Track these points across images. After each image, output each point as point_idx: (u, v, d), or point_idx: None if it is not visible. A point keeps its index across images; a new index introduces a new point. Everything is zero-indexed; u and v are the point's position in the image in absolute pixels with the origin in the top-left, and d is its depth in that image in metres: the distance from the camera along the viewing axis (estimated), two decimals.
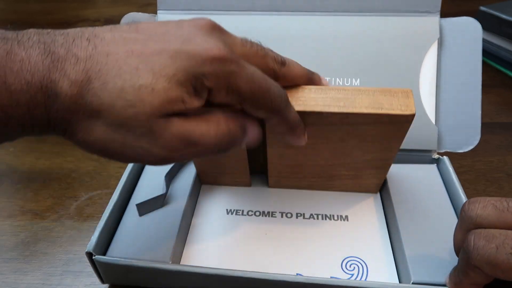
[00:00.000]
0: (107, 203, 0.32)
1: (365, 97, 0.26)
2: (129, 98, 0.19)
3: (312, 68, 0.28)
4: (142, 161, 0.22)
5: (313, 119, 0.27)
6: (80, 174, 0.42)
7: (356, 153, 0.30)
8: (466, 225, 0.25)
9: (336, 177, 0.34)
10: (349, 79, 0.36)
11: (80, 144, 0.21)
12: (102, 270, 0.30)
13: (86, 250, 0.29)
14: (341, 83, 0.37)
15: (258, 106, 0.23)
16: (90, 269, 0.33)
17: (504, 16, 0.57)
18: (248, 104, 0.22)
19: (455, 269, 0.27)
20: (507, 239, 0.23)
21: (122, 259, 0.29)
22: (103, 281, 0.31)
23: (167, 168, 0.36)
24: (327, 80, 0.30)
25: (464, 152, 0.38)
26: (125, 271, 0.30)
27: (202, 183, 0.37)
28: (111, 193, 0.33)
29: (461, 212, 0.26)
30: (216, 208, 0.35)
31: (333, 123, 0.27)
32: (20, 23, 0.75)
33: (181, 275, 0.29)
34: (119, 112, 0.19)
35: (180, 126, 0.21)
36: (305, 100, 0.27)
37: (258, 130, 0.24)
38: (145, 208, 0.33)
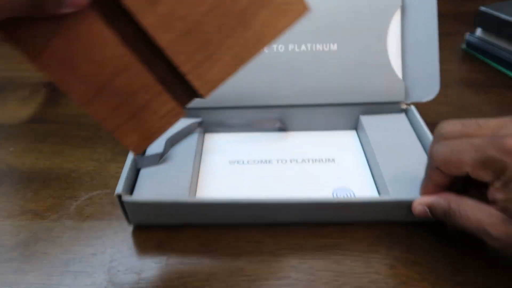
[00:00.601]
0: (107, 203, 0.32)
1: None
2: None
3: (286, 34, 0.28)
4: None
5: None
6: (80, 174, 0.42)
7: None
8: (437, 140, 0.30)
9: (247, 12, 0.27)
10: (327, 44, 0.43)
11: None
12: (130, 211, 0.35)
13: (115, 193, 0.33)
14: (320, 48, 0.43)
15: None
16: (90, 269, 0.33)
17: (504, 16, 0.57)
18: None
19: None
20: (460, 143, 0.28)
21: (149, 198, 0.34)
22: (129, 222, 0.36)
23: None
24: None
25: None
26: (150, 210, 0.34)
27: (136, 152, 0.30)
28: (111, 193, 0.33)
29: (435, 131, 0.31)
30: (220, 160, 0.42)
31: None
32: None
33: (200, 207, 0.34)
34: None
35: None
36: None
37: None
38: (143, 162, 0.38)
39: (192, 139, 0.42)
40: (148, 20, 0.25)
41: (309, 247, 0.34)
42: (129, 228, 0.36)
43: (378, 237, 0.35)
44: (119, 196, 0.34)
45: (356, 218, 0.35)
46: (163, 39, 0.26)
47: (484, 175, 0.27)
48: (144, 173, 0.37)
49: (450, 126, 0.30)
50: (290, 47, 0.42)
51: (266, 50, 0.42)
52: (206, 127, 0.45)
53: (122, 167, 0.41)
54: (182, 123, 0.42)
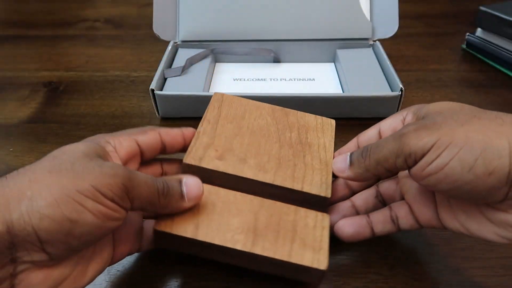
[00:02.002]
0: None
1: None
2: None
3: None
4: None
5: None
6: None
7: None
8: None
9: (301, 139, 0.36)
10: None
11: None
12: (160, 102, 0.48)
13: (150, 88, 0.47)
14: None
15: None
16: None
17: (504, 16, 0.57)
18: None
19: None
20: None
21: (173, 92, 0.47)
22: (158, 114, 0.49)
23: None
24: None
25: None
26: (173, 102, 0.48)
27: (324, 268, 0.28)
28: None
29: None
30: (226, 77, 0.55)
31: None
32: (20, 23, 0.75)
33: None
34: None
35: None
36: None
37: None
38: (169, 73, 0.51)
39: (206, 63, 0.54)
40: (247, 172, 0.32)
41: None
42: None
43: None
44: (152, 90, 0.47)
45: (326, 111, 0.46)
46: (267, 178, 0.32)
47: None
48: (170, 80, 0.51)
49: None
50: None
51: None
52: (217, 56, 0.57)
53: None
54: (199, 50, 0.55)
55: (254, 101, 0.38)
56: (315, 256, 0.28)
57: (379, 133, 0.32)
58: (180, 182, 0.28)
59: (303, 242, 0.29)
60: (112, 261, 0.28)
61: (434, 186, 0.25)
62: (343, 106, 0.48)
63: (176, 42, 0.57)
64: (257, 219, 0.30)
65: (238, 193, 0.31)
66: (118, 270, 0.33)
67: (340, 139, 0.45)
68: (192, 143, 0.33)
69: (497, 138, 0.23)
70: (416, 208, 0.30)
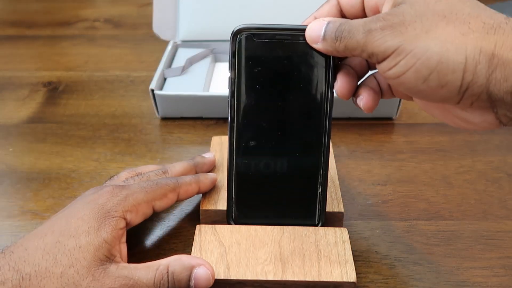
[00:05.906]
0: None
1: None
2: None
3: None
4: None
5: None
6: (80, 174, 0.42)
7: None
8: None
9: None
10: None
11: None
12: (159, 102, 0.48)
13: (149, 88, 0.46)
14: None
15: None
16: None
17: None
18: None
19: None
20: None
21: (173, 92, 0.47)
22: (158, 114, 0.49)
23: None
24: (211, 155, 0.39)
25: (464, 152, 0.43)
26: (173, 102, 0.48)
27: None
28: None
29: None
30: (226, 77, 0.55)
31: None
32: (20, 23, 0.75)
33: (211, 100, 0.48)
34: None
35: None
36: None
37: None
38: (169, 73, 0.51)
39: (206, 63, 0.54)
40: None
41: None
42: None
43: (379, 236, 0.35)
44: (152, 90, 0.46)
45: None
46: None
47: None
48: (170, 80, 0.51)
49: None
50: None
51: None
52: (217, 56, 0.57)
53: (122, 167, 0.41)
54: (199, 49, 0.55)
55: None
56: (343, 270, 0.30)
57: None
58: (189, 277, 0.28)
59: (329, 259, 0.30)
60: None
61: (394, 86, 0.28)
62: (343, 106, 0.48)
63: (176, 42, 0.57)
64: (281, 247, 0.31)
65: (258, 227, 0.33)
66: None
67: (340, 139, 0.46)
68: None
69: (456, 52, 0.23)
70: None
